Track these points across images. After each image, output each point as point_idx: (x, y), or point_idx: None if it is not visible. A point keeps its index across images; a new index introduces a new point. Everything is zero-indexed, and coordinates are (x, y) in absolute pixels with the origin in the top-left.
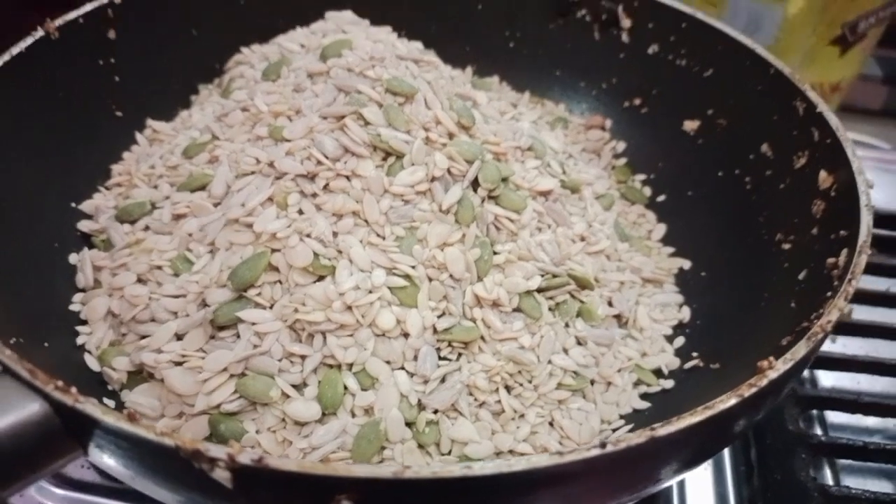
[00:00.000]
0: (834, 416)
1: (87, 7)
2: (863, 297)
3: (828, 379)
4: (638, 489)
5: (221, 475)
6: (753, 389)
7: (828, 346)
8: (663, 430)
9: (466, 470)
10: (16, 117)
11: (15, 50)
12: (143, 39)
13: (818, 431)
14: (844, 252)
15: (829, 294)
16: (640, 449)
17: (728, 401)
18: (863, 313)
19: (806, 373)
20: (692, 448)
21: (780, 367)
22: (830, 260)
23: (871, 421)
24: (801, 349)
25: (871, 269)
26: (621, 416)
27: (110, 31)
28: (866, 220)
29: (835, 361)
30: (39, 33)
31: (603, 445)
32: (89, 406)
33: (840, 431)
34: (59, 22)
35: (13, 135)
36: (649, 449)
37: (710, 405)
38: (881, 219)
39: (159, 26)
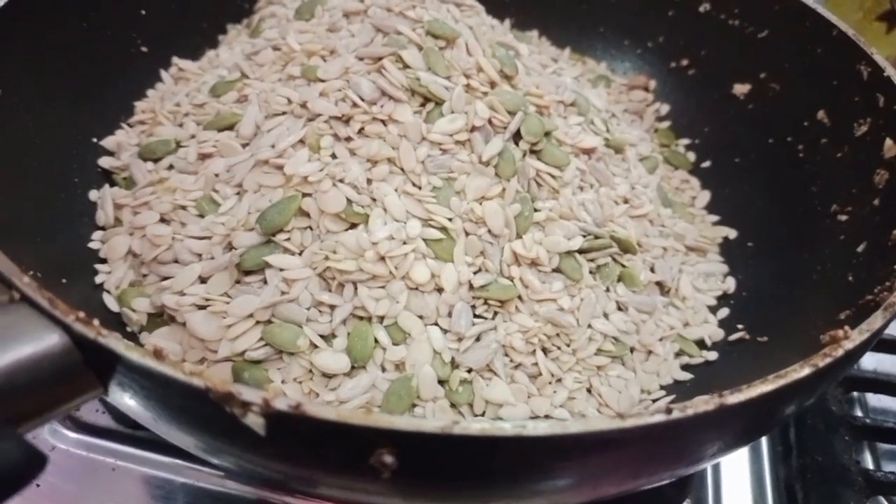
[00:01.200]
0: (875, 400)
1: None
2: None
3: (869, 361)
4: (691, 462)
5: (255, 421)
6: (828, 360)
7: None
8: (733, 397)
9: (520, 429)
10: (38, 48)
11: None
12: None
13: (859, 414)
14: None
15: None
16: (707, 417)
17: (801, 370)
18: None
19: None
20: (758, 419)
21: (856, 337)
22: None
23: None
24: (877, 320)
25: None
26: (662, 387)
27: None
28: None
29: (879, 343)
30: None
31: (669, 411)
32: (112, 340)
33: (881, 415)
34: None
35: (35, 66)
36: (716, 417)
37: (783, 374)
38: None
39: None
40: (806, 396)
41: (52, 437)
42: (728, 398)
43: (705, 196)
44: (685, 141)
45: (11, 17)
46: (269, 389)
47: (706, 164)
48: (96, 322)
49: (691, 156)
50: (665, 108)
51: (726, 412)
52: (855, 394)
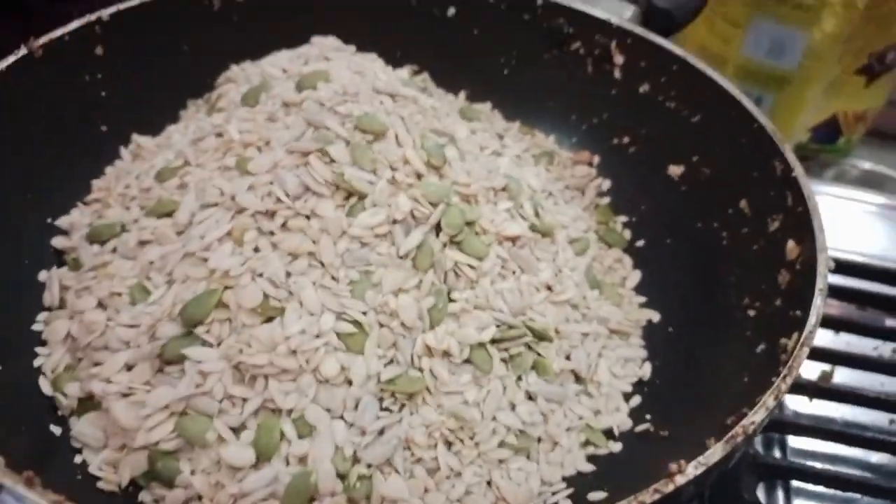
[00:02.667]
0: (800, 484)
1: (74, 24)
2: (847, 360)
3: (798, 442)
4: None
5: None
6: (656, 496)
7: (803, 408)
8: None
9: None
10: None
11: None
12: (132, 55)
13: (780, 501)
14: (794, 336)
15: (773, 379)
16: None
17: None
18: (845, 376)
19: (775, 434)
20: None
21: (690, 472)
22: (783, 341)
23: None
24: (716, 453)
25: (858, 329)
26: (564, 479)
27: (98, 48)
28: (818, 308)
29: (804, 428)
30: (23, 51)
31: None
32: None
33: (805, 499)
34: (43, 40)
35: None
36: None
37: None
38: (881, 273)
39: (149, 42)
40: None
41: None
42: None
43: (636, 276)
44: (623, 218)
45: None
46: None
47: (640, 242)
48: None
49: (627, 234)
50: (606, 184)
51: None
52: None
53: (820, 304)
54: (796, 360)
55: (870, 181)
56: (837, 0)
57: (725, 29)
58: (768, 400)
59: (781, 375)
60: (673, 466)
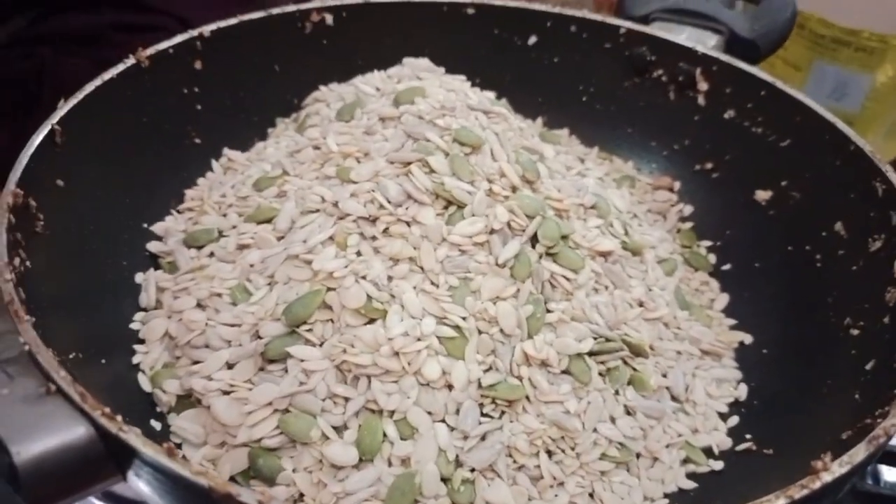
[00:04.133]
0: None
1: (178, 38)
2: None
3: (891, 475)
4: None
5: None
6: (804, 491)
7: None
8: None
9: None
10: (102, 138)
11: (106, 76)
12: (227, 72)
13: None
14: None
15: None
16: None
17: (775, 501)
18: None
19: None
20: None
21: (836, 469)
22: None
23: None
24: (859, 452)
25: None
26: (666, 495)
27: (197, 62)
28: None
29: None
30: (131, 61)
31: None
32: (132, 436)
33: None
34: (150, 51)
35: (98, 155)
36: None
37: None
38: None
39: (243, 60)
40: None
41: None
42: None
43: (724, 299)
44: (707, 243)
45: (81, 115)
46: (265, 493)
47: (727, 266)
48: (119, 418)
49: (712, 258)
50: (689, 209)
51: None
52: None
53: None
54: None
55: None
56: None
57: (787, 72)
58: None
59: None
60: (818, 464)
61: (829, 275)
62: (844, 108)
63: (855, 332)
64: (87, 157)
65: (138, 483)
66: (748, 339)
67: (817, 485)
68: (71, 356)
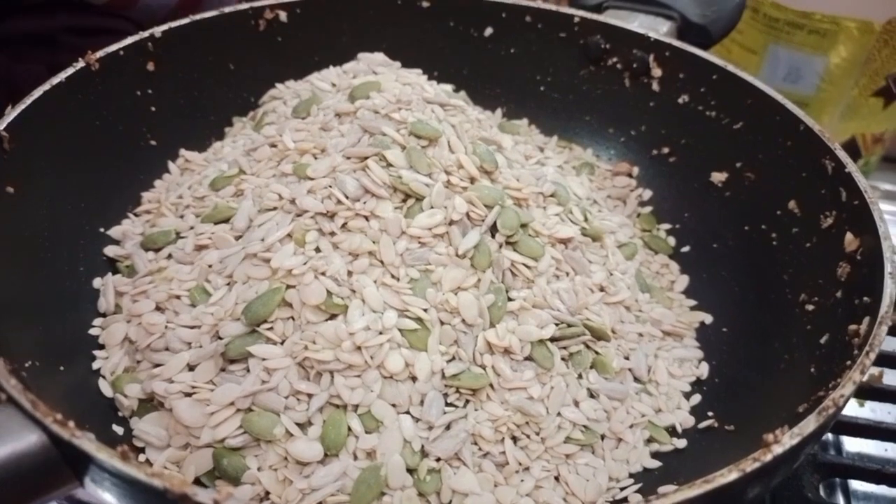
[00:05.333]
0: (858, 485)
1: (129, 40)
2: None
3: (853, 445)
4: None
5: None
6: (756, 465)
7: (854, 411)
8: (657, 502)
9: None
10: (53, 143)
11: (55, 80)
12: (181, 72)
13: (840, 501)
14: (866, 320)
15: (848, 363)
16: None
17: (728, 475)
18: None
19: (830, 436)
20: None
21: (787, 441)
22: (852, 327)
23: None
24: (809, 424)
25: None
26: (631, 475)
27: (149, 64)
28: (889, 289)
29: (861, 427)
30: (80, 64)
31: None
32: (85, 442)
33: (864, 501)
34: (100, 54)
35: (50, 160)
36: None
37: (710, 478)
38: None
39: (197, 60)
40: (742, 498)
41: None
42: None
43: (684, 281)
44: (666, 226)
45: (30, 120)
46: (221, 490)
47: (686, 248)
48: (72, 424)
49: (671, 241)
50: (647, 194)
51: None
52: (837, 480)
53: (892, 286)
54: (876, 337)
55: (890, 202)
56: (854, 24)
57: (742, 56)
58: (854, 375)
59: (864, 351)
60: (769, 437)
61: (784, 252)
62: (800, 91)
63: (810, 307)
64: (39, 162)
65: (96, 489)
66: (708, 318)
67: (769, 457)
68: (28, 364)
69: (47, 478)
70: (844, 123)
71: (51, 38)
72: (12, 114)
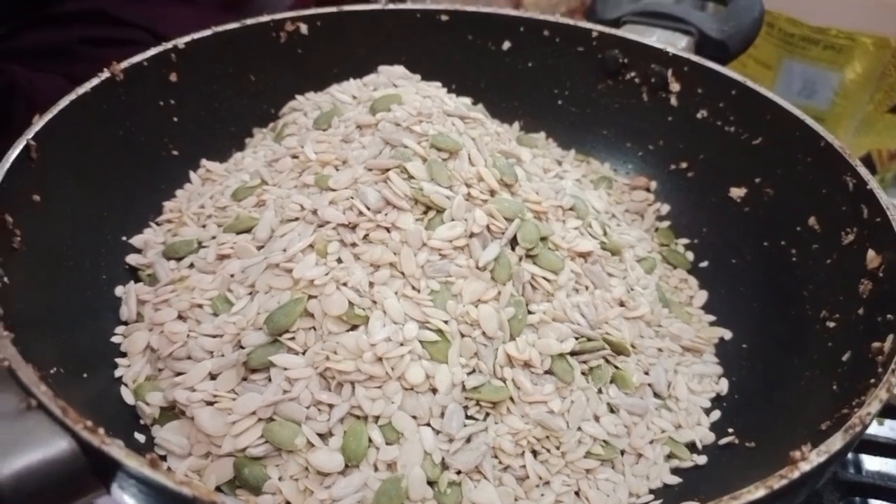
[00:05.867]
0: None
1: (153, 51)
2: None
3: (872, 463)
4: None
5: None
6: (783, 482)
7: (874, 430)
8: None
9: None
10: (77, 152)
11: (81, 90)
12: (203, 83)
13: None
14: (890, 338)
15: (872, 381)
16: None
17: (756, 492)
18: None
19: (849, 455)
20: None
21: (814, 459)
22: (876, 344)
23: None
24: (836, 441)
25: None
26: (651, 491)
27: (172, 74)
28: None
29: (881, 446)
30: (105, 74)
31: None
32: (115, 449)
33: None
34: (124, 64)
35: (73, 169)
36: None
37: (737, 495)
38: None
39: (219, 71)
40: None
41: None
42: None
43: (703, 296)
44: (684, 241)
45: (56, 130)
46: (249, 501)
47: (704, 263)
48: (101, 431)
49: (690, 255)
50: (665, 208)
51: None
52: (857, 499)
53: None
54: None
55: None
56: (869, 40)
57: (757, 71)
58: (881, 393)
59: (890, 369)
60: (796, 454)
61: (804, 269)
62: (814, 106)
63: (831, 324)
64: (64, 171)
65: (122, 495)
66: (728, 334)
67: (796, 475)
68: (52, 371)
69: (75, 484)
70: (859, 139)
71: (67, 49)
72: (39, 123)
